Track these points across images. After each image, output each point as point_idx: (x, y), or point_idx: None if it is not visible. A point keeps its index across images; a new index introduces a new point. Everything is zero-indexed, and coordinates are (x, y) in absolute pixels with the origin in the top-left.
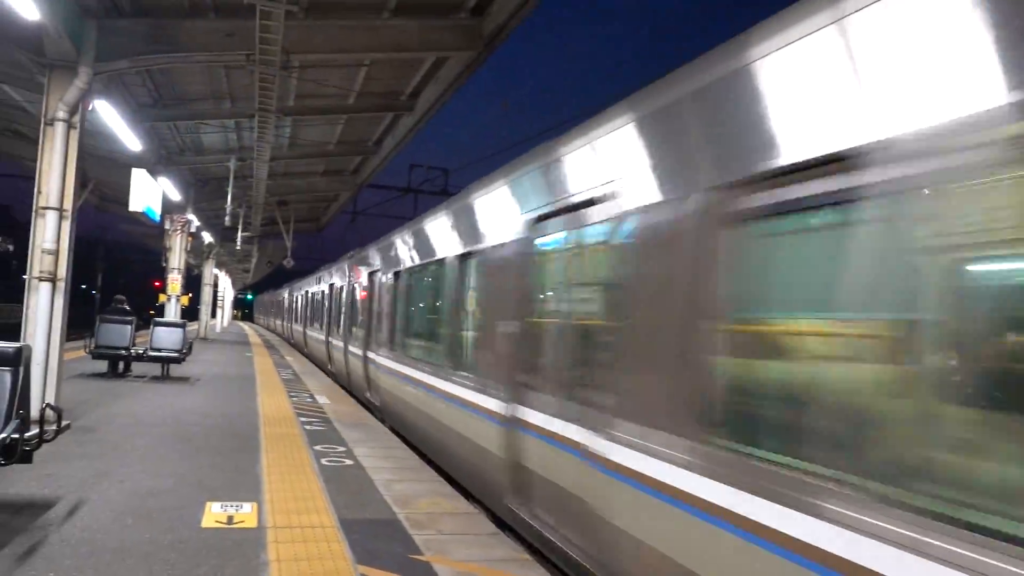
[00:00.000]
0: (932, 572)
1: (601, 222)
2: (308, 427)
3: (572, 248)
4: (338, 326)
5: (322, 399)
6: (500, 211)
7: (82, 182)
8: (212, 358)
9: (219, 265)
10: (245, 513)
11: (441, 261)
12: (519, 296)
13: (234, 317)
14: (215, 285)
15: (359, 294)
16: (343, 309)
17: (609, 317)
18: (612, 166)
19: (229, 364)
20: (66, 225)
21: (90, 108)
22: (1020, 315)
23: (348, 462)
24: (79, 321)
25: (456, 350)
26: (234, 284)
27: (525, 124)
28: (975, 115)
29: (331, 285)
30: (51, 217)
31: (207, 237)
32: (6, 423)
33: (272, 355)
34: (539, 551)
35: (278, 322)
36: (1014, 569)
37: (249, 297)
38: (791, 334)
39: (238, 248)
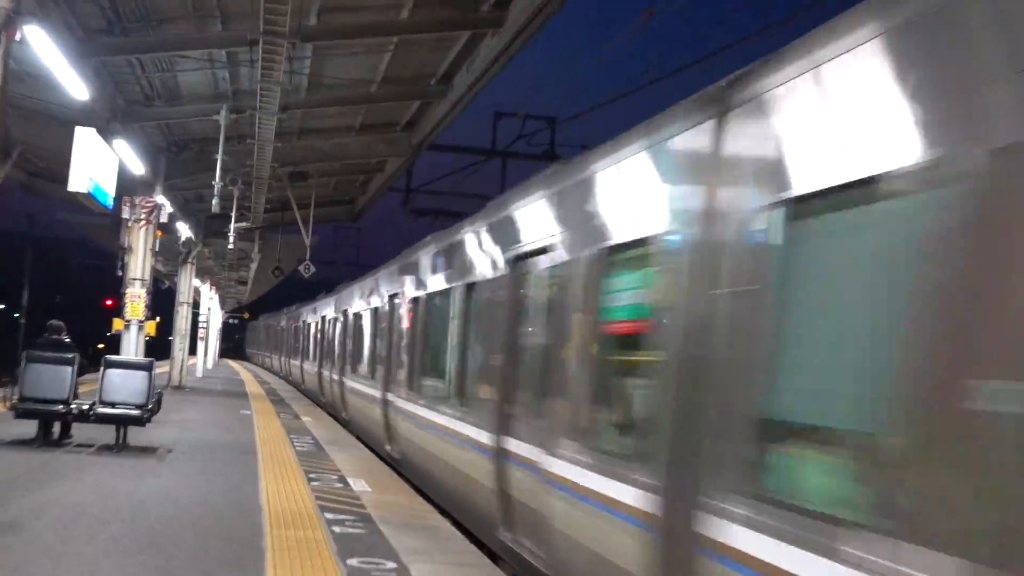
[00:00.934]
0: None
1: (545, 265)
2: (337, 528)
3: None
4: (403, 373)
5: (359, 484)
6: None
7: (0, 148)
8: (192, 417)
9: (202, 274)
10: None
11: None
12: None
13: (222, 353)
14: (196, 305)
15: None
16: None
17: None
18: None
19: (217, 426)
20: None
21: (17, 37)
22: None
23: None
24: None
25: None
26: (223, 303)
27: (668, 50)
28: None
29: (397, 302)
30: None
31: (185, 230)
32: None
33: (281, 412)
34: None
35: (291, 361)
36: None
37: (244, 319)
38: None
39: (230, 247)
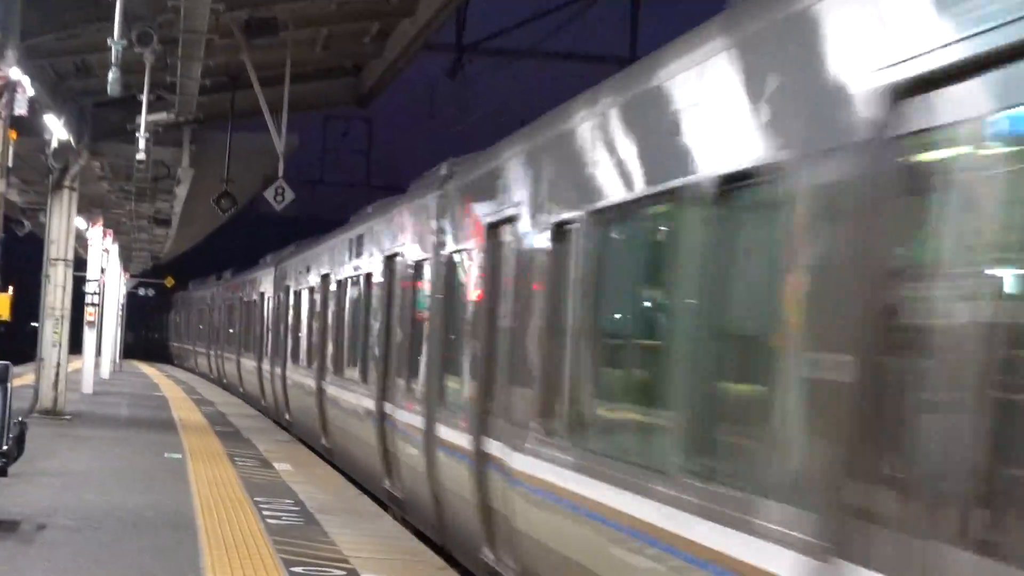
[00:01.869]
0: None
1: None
2: None
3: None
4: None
5: None
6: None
7: None
8: (80, 464)
9: (90, 208)
10: None
11: None
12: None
13: (128, 350)
14: (80, 264)
15: None
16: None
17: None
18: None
19: (124, 481)
20: None
21: None
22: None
23: None
24: None
25: None
26: (127, 261)
27: None
28: None
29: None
30: None
31: (57, 128)
32: None
33: (235, 453)
34: None
35: (264, 364)
36: None
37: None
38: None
39: (140, 159)
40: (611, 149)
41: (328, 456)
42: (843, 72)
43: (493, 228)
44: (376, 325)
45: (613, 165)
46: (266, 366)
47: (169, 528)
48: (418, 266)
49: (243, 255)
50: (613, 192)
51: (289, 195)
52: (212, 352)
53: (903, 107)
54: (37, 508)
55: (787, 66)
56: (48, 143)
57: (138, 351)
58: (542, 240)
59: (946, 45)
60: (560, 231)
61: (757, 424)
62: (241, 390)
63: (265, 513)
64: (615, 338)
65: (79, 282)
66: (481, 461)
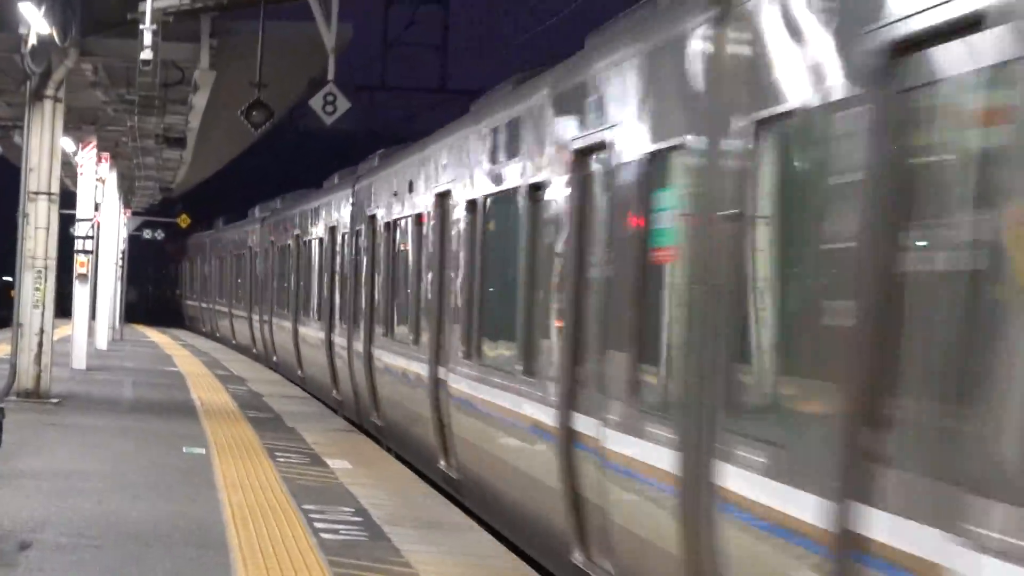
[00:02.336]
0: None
1: None
2: None
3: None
4: None
5: None
6: None
7: None
8: (72, 463)
9: (79, 124)
10: None
11: None
12: None
13: (131, 312)
14: (67, 199)
15: None
16: None
17: None
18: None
19: (129, 487)
20: None
21: None
22: None
23: None
24: None
25: None
26: (129, 195)
27: None
28: None
29: None
30: None
31: (36, 19)
32: None
33: (276, 447)
34: None
35: (306, 331)
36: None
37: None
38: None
39: (145, 60)
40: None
41: (450, 486)
42: None
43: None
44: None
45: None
46: (339, 339)
47: (191, 546)
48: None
49: (281, 185)
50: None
51: (342, 104)
52: (255, 315)
53: None
54: (20, 521)
55: None
56: (24, 39)
57: (143, 312)
58: None
59: None
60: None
61: None
62: (300, 373)
63: (318, 526)
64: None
65: (67, 222)
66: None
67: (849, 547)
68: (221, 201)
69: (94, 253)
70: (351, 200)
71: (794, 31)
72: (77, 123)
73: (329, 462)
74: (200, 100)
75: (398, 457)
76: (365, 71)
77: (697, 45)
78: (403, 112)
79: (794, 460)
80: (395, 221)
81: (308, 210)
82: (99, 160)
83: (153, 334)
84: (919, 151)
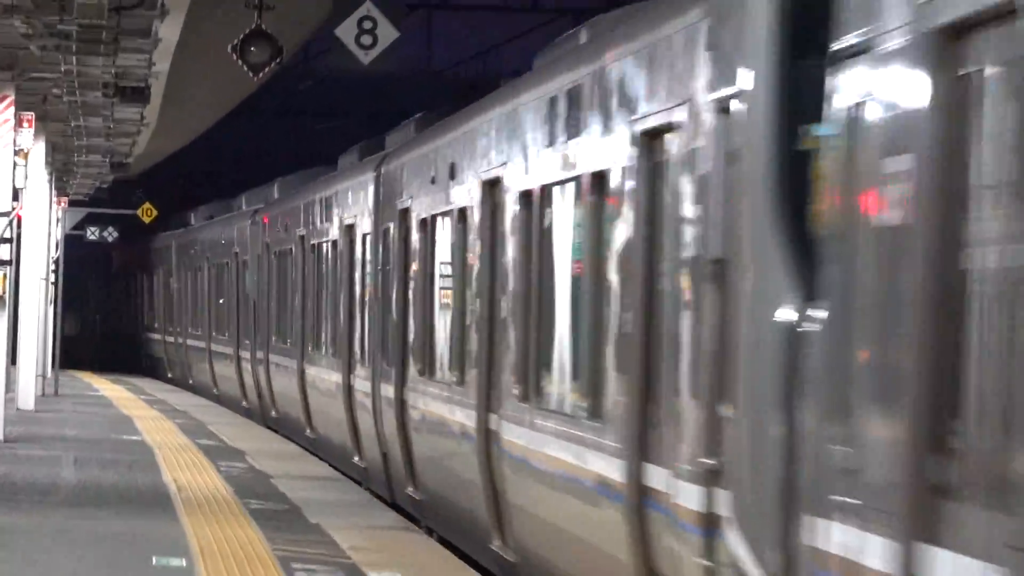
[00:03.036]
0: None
1: None
2: None
3: None
4: None
5: None
6: None
7: None
8: None
9: None
10: None
11: None
12: None
13: (68, 349)
14: None
15: None
16: None
17: None
18: None
19: None
20: None
21: None
22: None
23: None
24: None
25: None
26: (67, 180)
27: None
28: None
29: None
30: None
31: None
32: None
33: (284, 547)
34: None
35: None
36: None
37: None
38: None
39: None
40: None
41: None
42: None
43: None
44: None
45: None
46: (362, 382)
47: None
48: None
49: (294, 161)
50: None
51: (386, 32)
52: (244, 353)
53: None
54: None
55: None
56: None
57: (89, 353)
58: None
59: None
60: None
61: None
62: (309, 432)
63: None
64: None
65: None
66: None
67: None
68: (202, 185)
69: (12, 263)
70: (377, 186)
71: None
72: None
73: None
74: (170, 31)
75: (441, 540)
76: None
77: None
78: (475, 42)
79: None
80: (432, 217)
81: (316, 200)
82: (19, 124)
83: (103, 385)
84: None
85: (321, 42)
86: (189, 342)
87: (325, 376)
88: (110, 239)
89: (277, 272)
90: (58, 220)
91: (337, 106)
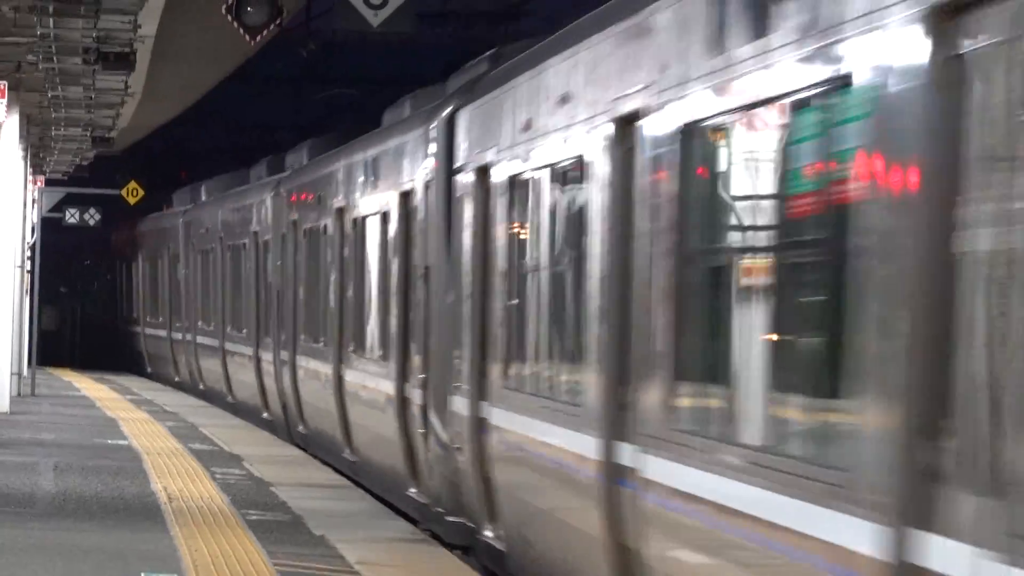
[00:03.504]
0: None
1: None
2: None
3: None
4: None
5: None
6: None
7: None
8: None
9: None
10: None
11: None
12: None
13: (46, 344)
14: None
15: None
16: None
17: None
18: None
19: None
20: None
21: None
22: None
23: None
24: None
25: None
26: (43, 157)
27: None
28: None
29: None
30: None
31: None
32: None
33: (286, 562)
34: None
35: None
36: None
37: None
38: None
39: None
40: None
41: None
42: None
43: None
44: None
45: None
46: (416, 389)
47: None
48: None
49: (295, 135)
50: None
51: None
52: (264, 353)
53: None
54: None
55: None
56: None
57: (69, 349)
58: None
59: None
60: None
61: None
62: (349, 452)
63: None
64: None
65: None
66: None
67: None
68: (194, 162)
69: None
70: (435, 141)
71: None
72: None
73: None
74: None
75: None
76: None
77: None
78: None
79: None
80: (518, 178)
81: (361, 163)
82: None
83: (86, 384)
84: None
85: (324, 1)
86: (197, 339)
87: (370, 384)
88: (91, 222)
89: (307, 255)
90: (34, 201)
91: (338, 75)
